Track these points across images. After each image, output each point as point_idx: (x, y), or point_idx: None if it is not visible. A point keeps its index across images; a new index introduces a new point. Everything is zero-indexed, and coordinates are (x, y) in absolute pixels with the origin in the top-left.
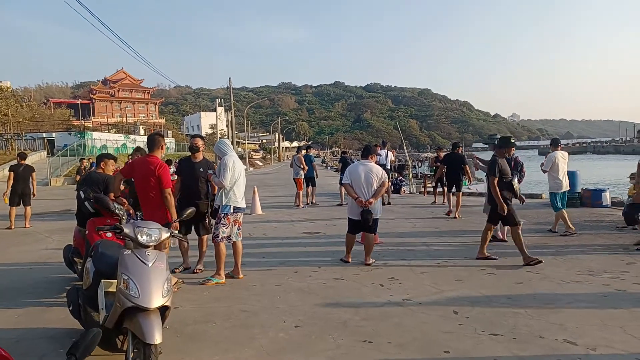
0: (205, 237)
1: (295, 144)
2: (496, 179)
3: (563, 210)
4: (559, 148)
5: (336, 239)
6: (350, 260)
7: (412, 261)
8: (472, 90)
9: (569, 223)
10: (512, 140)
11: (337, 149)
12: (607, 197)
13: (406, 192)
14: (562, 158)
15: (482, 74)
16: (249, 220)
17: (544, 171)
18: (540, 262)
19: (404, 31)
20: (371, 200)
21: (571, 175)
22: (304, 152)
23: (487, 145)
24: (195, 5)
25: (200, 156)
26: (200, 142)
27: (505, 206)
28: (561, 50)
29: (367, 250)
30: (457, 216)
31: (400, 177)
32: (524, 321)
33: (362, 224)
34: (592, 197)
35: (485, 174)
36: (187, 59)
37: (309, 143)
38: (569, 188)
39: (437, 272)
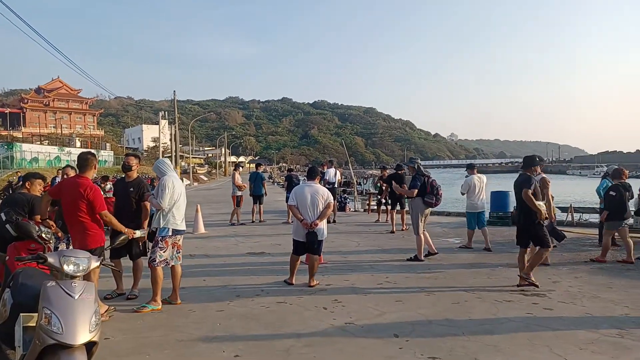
0: (140, 260)
1: (242, 158)
2: (530, 191)
3: (473, 230)
4: (475, 171)
5: (281, 258)
6: (294, 282)
7: (356, 282)
8: (414, 110)
9: (470, 240)
10: (537, 159)
11: (284, 164)
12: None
13: (351, 209)
14: (478, 181)
15: (423, 95)
16: (190, 239)
17: (462, 193)
18: (537, 286)
19: (349, 51)
20: (317, 222)
21: (503, 195)
22: (247, 166)
23: (407, 166)
24: (140, 15)
25: (133, 175)
26: (133, 161)
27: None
28: (494, 77)
29: (311, 272)
30: (404, 228)
31: (345, 195)
32: (461, 343)
33: (307, 246)
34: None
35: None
36: (130, 69)
37: (257, 158)
38: (484, 209)
39: (379, 293)
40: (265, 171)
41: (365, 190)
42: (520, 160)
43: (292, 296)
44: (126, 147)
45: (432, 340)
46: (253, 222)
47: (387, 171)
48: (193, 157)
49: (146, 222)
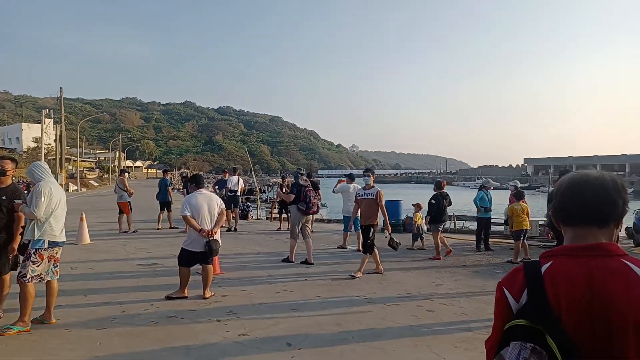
0: (7, 276)
1: (139, 163)
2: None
3: (347, 233)
4: (353, 182)
5: (175, 269)
6: (187, 294)
7: (252, 292)
8: (318, 121)
9: (345, 241)
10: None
11: (186, 170)
12: (423, 224)
13: (253, 217)
14: (354, 189)
15: (327, 106)
16: (73, 251)
17: (334, 192)
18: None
19: (256, 58)
20: (215, 229)
21: (395, 204)
22: (144, 172)
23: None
24: (21, 2)
25: (7, 181)
26: (8, 165)
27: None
28: (391, 93)
29: (206, 283)
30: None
31: (249, 203)
32: (351, 348)
33: (208, 255)
34: (412, 224)
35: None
36: (6, 61)
37: (156, 163)
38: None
39: (275, 302)
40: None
41: (270, 198)
42: (414, 171)
43: (184, 309)
44: (1, 148)
45: (323, 346)
46: (159, 229)
47: (288, 180)
48: (82, 161)
49: (18, 233)
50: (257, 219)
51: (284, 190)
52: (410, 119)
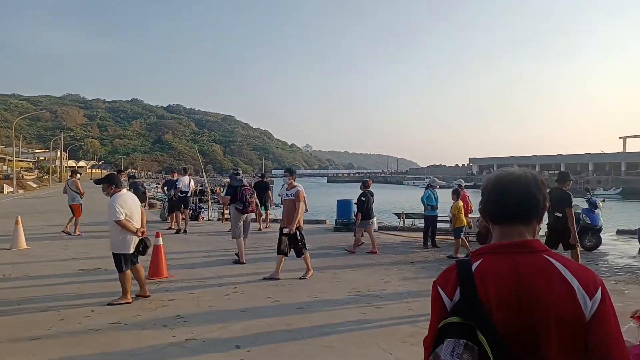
0: None
1: (82, 163)
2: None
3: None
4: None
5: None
6: (131, 300)
7: (201, 295)
8: (272, 120)
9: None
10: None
11: (132, 170)
12: (374, 223)
13: (204, 218)
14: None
15: (280, 106)
16: (6, 257)
17: (279, 195)
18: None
19: (208, 55)
20: (144, 227)
21: (347, 203)
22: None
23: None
24: None
25: None
26: None
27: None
28: (342, 95)
29: (142, 282)
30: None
31: (200, 204)
32: (299, 347)
33: (141, 254)
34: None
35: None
36: None
37: (100, 163)
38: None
39: (225, 304)
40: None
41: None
42: (366, 170)
43: (129, 315)
44: None
45: (272, 347)
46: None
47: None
48: (18, 160)
49: None
50: (209, 220)
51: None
52: (363, 119)
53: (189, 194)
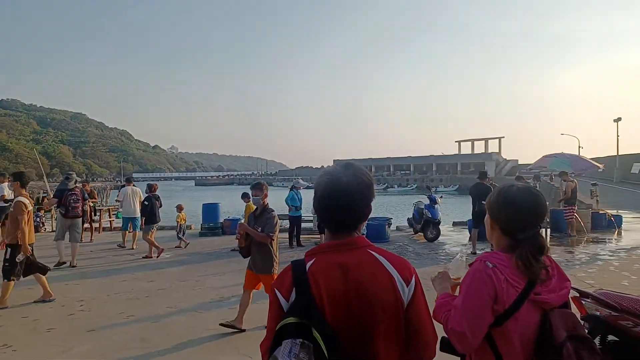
0: None
1: None
2: None
3: (127, 231)
4: (132, 184)
5: None
6: None
7: (39, 317)
8: (131, 120)
9: (124, 240)
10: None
11: None
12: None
13: (46, 230)
14: (132, 191)
15: (141, 104)
16: None
17: (117, 201)
18: None
19: (52, 43)
20: None
21: (213, 207)
22: None
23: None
24: None
25: None
26: None
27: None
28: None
29: None
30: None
31: (40, 214)
32: None
33: None
34: (231, 226)
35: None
36: None
37: None
38: (137, 215)
39: (68, 325)
40: None
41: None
42: (236, 172)
43: None
44: None
45: None
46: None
47: (90, 185)
48: None
49: None
50: (53, 230)
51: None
52: (233, 121)
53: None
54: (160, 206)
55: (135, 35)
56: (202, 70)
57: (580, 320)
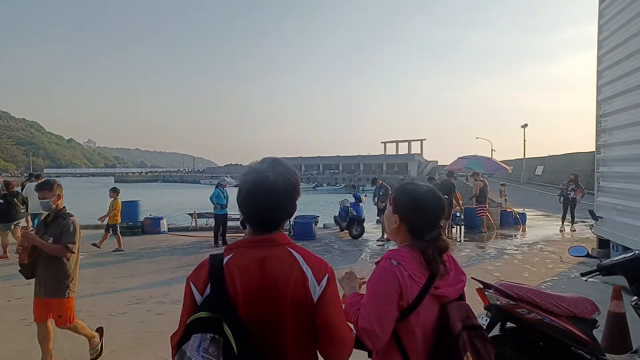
0: None
1: None
2: None
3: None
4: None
5: None
6: None
7: None
8: (42, 111)
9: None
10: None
11: None
12: (164, 224)
13: None
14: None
15: (54, 94)
16: None
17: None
18: None
19: None
20: None
21: (133, 204)
22: None
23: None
24: None
25: None
26: None
27: None
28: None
29: None
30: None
31: None
32: None
33: None
34: (152, 225)
35: None
36: None
37: None
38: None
39: None
40: None
41: None
42: (161, 169)
43: None
44: None
45: None
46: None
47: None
48: None
49: None
50: None
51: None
52: (158, 115)
53: None
54: (24, 204)
55: (46, 15)
56: (125, 60)
57: (484, 310)
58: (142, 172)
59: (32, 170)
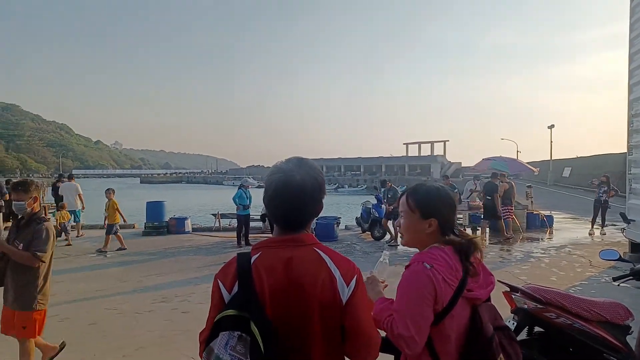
0: None
1: None
2: None
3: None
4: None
5: None
6: None
7: None
8: (71, 113)
9: None
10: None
11: None
12: (188, 225)
13: None
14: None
15: (83, 97)
16: None
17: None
18: None
19: None
20: None
21: (159, 205)
22: None
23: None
24: None
25: None
26: None
27: None
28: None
29: None
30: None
31: None
32: None
33: None
34: (177, 225)
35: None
36: None
37: None
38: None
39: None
40: None
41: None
42: (185, 170)
43: None
44: None
45: None
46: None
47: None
48: None
49: None
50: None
51: None
52: (183, 118)
53: None
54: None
55: (75, 22)
56: (151, 64)
57: (510, 313)
58: (166, 173)
59: (62, 172)
